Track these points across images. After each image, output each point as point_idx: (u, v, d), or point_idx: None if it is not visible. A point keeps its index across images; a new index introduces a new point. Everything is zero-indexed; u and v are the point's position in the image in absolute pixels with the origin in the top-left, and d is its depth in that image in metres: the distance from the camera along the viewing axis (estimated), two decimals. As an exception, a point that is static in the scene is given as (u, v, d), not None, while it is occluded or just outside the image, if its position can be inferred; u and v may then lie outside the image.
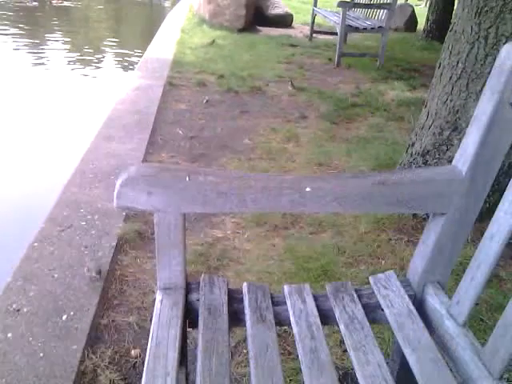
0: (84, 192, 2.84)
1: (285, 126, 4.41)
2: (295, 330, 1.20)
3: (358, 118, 4.83)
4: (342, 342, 1.93)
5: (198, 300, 1.26)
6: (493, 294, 2.25)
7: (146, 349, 1.91)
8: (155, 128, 4.03)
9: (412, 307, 1.23)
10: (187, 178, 1.12)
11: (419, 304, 1.28)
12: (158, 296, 1.22)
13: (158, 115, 4.31)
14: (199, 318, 1.19)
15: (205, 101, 4.84)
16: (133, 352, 1.86)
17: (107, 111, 4.23)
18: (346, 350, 1.92)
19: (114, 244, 2.40)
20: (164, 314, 1.16)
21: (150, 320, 2.05)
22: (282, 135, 4.20)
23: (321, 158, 3.75)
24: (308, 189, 1.16)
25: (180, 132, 4.05)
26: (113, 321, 2.00)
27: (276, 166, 3.58)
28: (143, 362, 1.85)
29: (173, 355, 1.04)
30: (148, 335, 1.97)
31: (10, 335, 1.80)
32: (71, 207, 2.67)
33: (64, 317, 1.90)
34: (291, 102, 5.13)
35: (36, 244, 2.33)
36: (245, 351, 1.89)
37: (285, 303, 1.30)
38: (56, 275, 2.13)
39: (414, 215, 2.95)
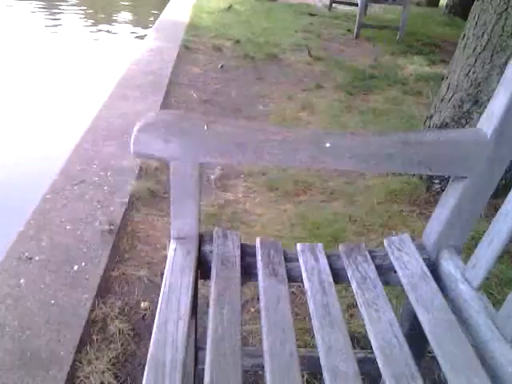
0: (97, 149, 2.83)
1: (300, 95, 4.34)
2: (307, 285, 1.20)
3: (375, 90, 4.74)
4: (348, 306, 1.94)
5: (211, 252, 1.25)
6: (503, 269, 2.24)
7: (155, 302, 1.94)
8: (169, 90, 3.99)
9: (426, 269, 1.22)
10: (205, 127, 1.10)
11: (433, 267, 1.27)
12: (172, 245, 1.22)
13: (173, 77, 4.26)
14: (212, 268, 1.19)
15: (220, 66, 4.77)
16: (142, 304, 1.89)
17: (122, 71, 4.18)
18: (352, 315, 1.93)
19: (126, 200, 2.40)
20: (177, 263, 1.16)
21: (161, 275, 2.08)
22: (297, 103, 4.14)
23: (335, 128, 3.70)
24: (328, 144, 1.13)
25: (194, 95, 4.01)
26: (123, 274, 2.02)
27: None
28: (152, 314, 1.90)
29: (185, 301, 1.05)
30: (158, 289, 2.00)
31: (22, 281, 1.83)
32: (84, 163, 2.67)
33: (75, 267, 1.93)
34: (308, 70, 5.04)
35: (49, 196, 2.34)
36: (252, 309, 1.91)
37: (297, 260, 1.30)
38: (68, 227, 2.14)
39: (428, 188, 2.92)
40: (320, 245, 1.36)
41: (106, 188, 2.47)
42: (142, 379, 1.64)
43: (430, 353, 1.37)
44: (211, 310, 1.05)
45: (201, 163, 1.15)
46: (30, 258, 1.94)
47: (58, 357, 1.57)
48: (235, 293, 1.12)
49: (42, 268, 1.91)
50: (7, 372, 1.50)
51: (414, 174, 3.02)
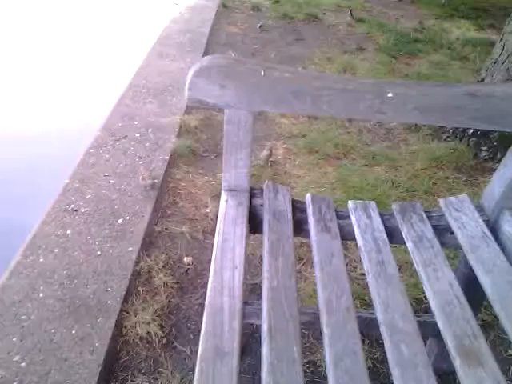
0: (137, 106, 2.82)
1: (341, 57, 4.20)
2: (360, 242, 1.17)
3: (419, 54, 4.54)
4: (400, 267, 1.91)
5: (262, 205, 1.23)
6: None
7: (198, 258, 1.96)
8: (207, 49, 3.92)
9: (486, 230, 1.17)
10: (262, 73, 1.06)
11: (493, 229, 1.21)
12: (223, 196, 1.21)
13: (211, 36, 4.18)
14: (263, 221, 1.17)
15: (259, 26, 4.65)
16: (185, 259, 1.90)
17: (160, 29, 4.13)
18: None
19: (167, 157, 2.40)
20: (229, 214, 1.15)
21: (203, 232, 2.09)
22: (338, 65, 4.01)
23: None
24: (390, 94, 1.07)
25: (232, 55, 3.92)
26: (166, 229, 2.04)
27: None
28: (195, 269, 1.91)
29: (240, 251, 1.04)
30: (200, 245, 2.02)
31: (68, 232, 1.86)
32: (125, 119, 2.67)
33: (120, 220, 1.95)
34: (349, 32, 4.87)
35: (92, 150, 2.35)
36: (296, 269, 1.90)
37: (349, 217, 1.26)
38: (112, 181, 2.16)
39: (475, 155, 2.81)
40: (372, 203, 1.32)
41: (147, 144, 2.47)
42: (186, 331, 1.69)
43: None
44: (265, 262, 1.04)
45: (254, 112, 1.12)
46: (76, 210, 1.97)
47: (105, 306, 1.61)
48: (288, 246, 1.10)
49: (88, 220, 1.93)
50: (58, 319, 1.55)
51: (460, 140, 2.91)
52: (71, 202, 2.01)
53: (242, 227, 1.10)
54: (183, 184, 2.35)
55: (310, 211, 1.24)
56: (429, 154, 2.83)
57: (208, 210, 2.18)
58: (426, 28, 5.30)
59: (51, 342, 1.48)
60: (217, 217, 1.16)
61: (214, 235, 2.10)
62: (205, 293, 1.80)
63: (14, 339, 1.47)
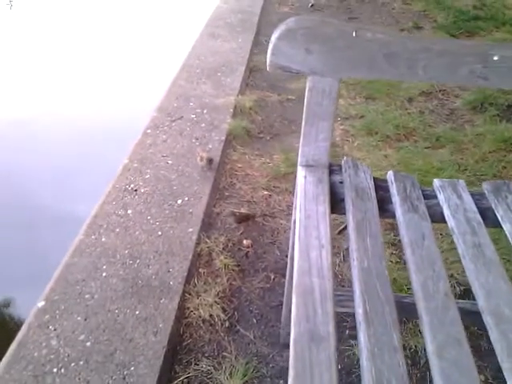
0: (192, 86, 2.78)
1: (397, 36, 4.01)
2: (452, 224, 1.06)
3: (480, 32, 4.27)
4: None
5: (341, 182, 1.14)
6: None
7: (257, 241, 1.89)
8: (259, 29, 3.83)
9: None
10: (354, 34, 0.96)
11: None
12: (301, 172, 1.12)
13: (262, 16, 4.08)
14: (346, 199, 1.08)
15: (310, 5, 4.50)
16: (245, 242, 1.84)
17: (211, 10, 4.06)
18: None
19: (224, 138, 2.34)
20: (309, 190, 1.06)
21: (263, 215, 2.03)
22: (394, 45, 3.82)
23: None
24: (495, 57, 0.96)
25: (285, 35, 3.81)
26: (224, 210, 1.98)
27: (388, 75, 3.29)
28: (255, 252, 1.85)
29: (325, 229, 0.95)
30: (259, 228, 1.95)
31: (129, 212, 1.84)
32: (180, 100, 2.63)
33: (179, 201, 1.91)
34: (405, 10, 4.64)
35: (149, 131, 2.33)
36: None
37: (435, 197, 1.16)
38: (170, 162, 2.13)
39: (550, 137, 2.60)
40: (461, 181, 1.21)
41: (203, 125, 2.42)
42: (249, 316, 1.63)
43: None
44: (353, 242, 0.95)
45: (340, 79, 1.03)
46: (136, 190, 1.95)
47: (168, 287, 1.57)
48: (375, 225, 1.01)
49: (147, 200, 1.91)
50: (121, 298, 1.52)
51: (533, 121, 2.70)
52: (131, 182, 1.99)
53: (324, 205, 1.02)
54: (240, 165, 2.28)
55: (393, 189, 1.14)
56: (497, 136, 2.64)
57: (266, 193, 2.11)
58: (486, 5, 4.98)
59: (115, 321, 1.45)
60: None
61: (273, 217, 2.03)
62: (266, 276, 1.77)
63: (79, 318, 1.46)
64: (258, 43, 3.60)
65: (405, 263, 1.77)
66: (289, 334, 1.51)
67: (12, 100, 3.07)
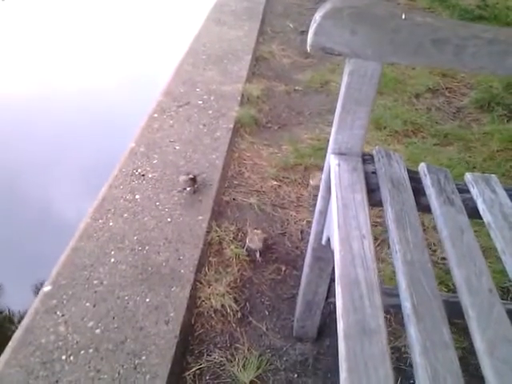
0: (198, 72, 2.71)
1: (402, 32, 3.98)
2: (489, 219, 1.03)
3: (484, 31, 4.27)
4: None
5: (374, 172, 1.10)
6: None
7: (268, 231, 1.85)
8: (264, 18, 3.77)
9: None
10: (403, 16, 0.92)
11: None
12: (334, 160, 1.08)
13: (267, 6, 4.02)
14: (382, 189, 1.04)
15: (315, -4, 4.44)
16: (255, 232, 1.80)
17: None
18: None
19: (231, 126, 2.29)
20: (345, 178, 1.02)
21: (272, 205, 1.98)
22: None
23: (444, 69, 3.36)
24: (548, 48, 0.92)
25: (290, 25, 3.76)
26: (234, 199, 1.94)
27: (395, 70, 3.26)
28: (265, 243, 1.81)
29: (364, 219, 0.91)
30: (269, 218, 1.91)
31: (137, 197, 1.78)
32: (187, 85, 2.56)
33: (188, 188, 1.85)
34: (410, 6, 4.61)
35: (156, 115, 2.26)
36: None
37: (468, 191, 1.13)
38: (177, 147, 2.07)
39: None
40: (494, 176, 1.17)
41: (210, 112, 2.37)
42: (261, 307, 1.59)
43: None
44: (394, 233, 0.91)
45: (382, 64, 0.99)
46: (143, 175, 1.89)
47: (178, 275, 1.52)
48: (414, 217, 0.97)
49: (156, 185, 1.85)
50: (131, 285, 1.47)
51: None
52: (138, 167, 1.93)
53: (361, 194, 0.98)
54: (248, 154, 2.23)
55: (427, 182, 1.10)
56: (505, 136, 2.63)
57: (275, 183, 2.07)
58: (489, 5, 4.99)
59: (125, 309, 1.40)
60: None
61: (283, 208, 1.99)
62: (277, 268, 1.73)
63: (87, 304, 1.40)
64: (264, 33, 3.54)
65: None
66: (302, 327, 1.49)
67: (28, 87, 3.01)
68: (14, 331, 1.34)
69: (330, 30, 0.92)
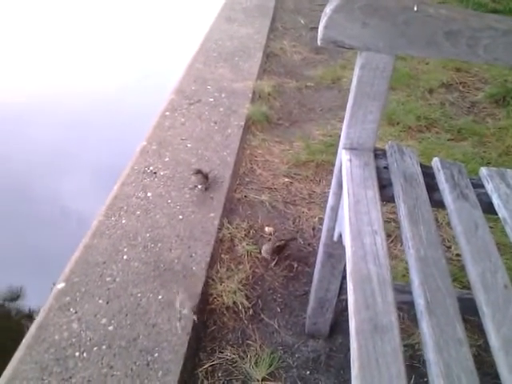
0: (209, 70, 2.71)
1: (415, 27, 3.93)
2: (504, 214, 1.01)
3: (499, 25, 4.20)
4: None
5: (386, 168, 1.09)
6: None
7: (279, 228, 1.84)
8: (275, 15, 3.75)
9: None
10: (415, 8, 0.91)
11: None
12: (345, 155, 1.07)
13: (278, 2, 4.00)
14: (394, 185, 1.03)
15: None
16: (266, 229, 1.80)
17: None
18: None
19: (243, 123, 2.28)
20: (356, 174, 1.01)
21: (284, 202, 1.98)
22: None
23: (458, 63, 3.32)
24: None
25: (301, 21, 3.74)
26: (245, 196, 1.94)
27: (408, 65, 3.22)
28: (276, 236, 1.80)
29: (376, 215, 0.90)
30: (281, 215, 1.90)
31: (149, 195, 1.79)
32: (198, 83, 2.56)
33: (199, 185, 1.85)
34: (422, 0, 4.56)
35: (168, 113, 2.27)
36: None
37: (482, 186, 1.11)
38: (189, 145, 2.07)
39: None
40: (509, 170, 1.15)
41: (221, 109, 2.36)
42: (273, 304, 1.59)
43: None
44: (407, 229, 0.90)
45: (395, 56, 0.97)
46: (155, 173, 1.89)
47: (190, 272, 1.52)
48: (427, 213, 0.96)
49: (167, 183, 1.85)
50: (144, 282, 1.47)
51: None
52: (150, 165, 1.94)
53: (373, 190, 0.97)
54: (259, 151, 2.23)
55: (441, 177, 1.09)
56: (520, 130, 2.59)
57: (286, 180, 2.06)
58: (501, -1, 4.91)
59: (138, 306, 1.41)
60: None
61: (295, 205, 1.98)
62: (289, 265, 1.72)
63: (100, 301, 1.41)
64: (275, 29, 3.52)
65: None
66: (314, 324, 1.48)
67: (41, 85, 3.05)
68: (28, 328, 1.35)
69: (341, 23, 0.91)
